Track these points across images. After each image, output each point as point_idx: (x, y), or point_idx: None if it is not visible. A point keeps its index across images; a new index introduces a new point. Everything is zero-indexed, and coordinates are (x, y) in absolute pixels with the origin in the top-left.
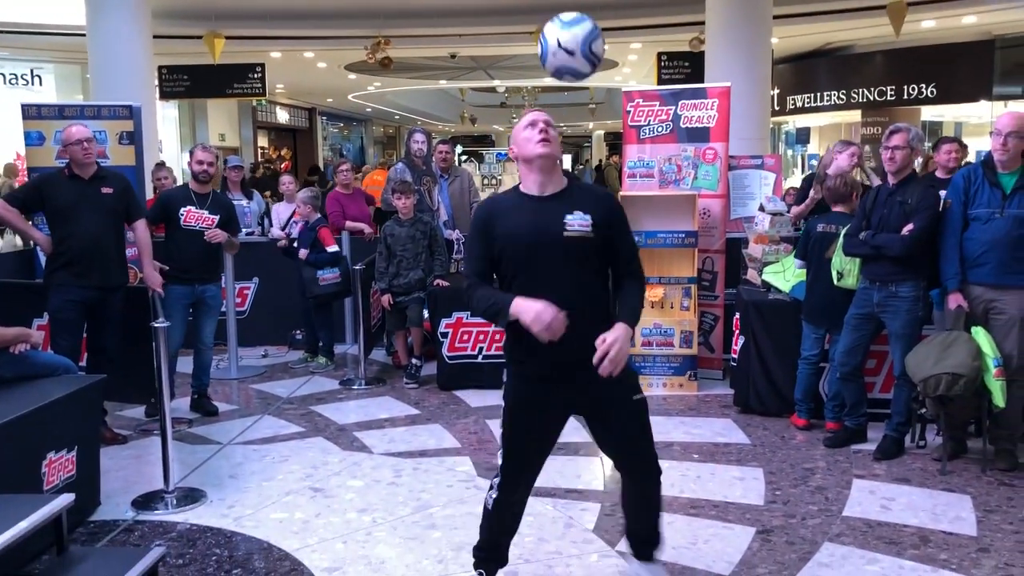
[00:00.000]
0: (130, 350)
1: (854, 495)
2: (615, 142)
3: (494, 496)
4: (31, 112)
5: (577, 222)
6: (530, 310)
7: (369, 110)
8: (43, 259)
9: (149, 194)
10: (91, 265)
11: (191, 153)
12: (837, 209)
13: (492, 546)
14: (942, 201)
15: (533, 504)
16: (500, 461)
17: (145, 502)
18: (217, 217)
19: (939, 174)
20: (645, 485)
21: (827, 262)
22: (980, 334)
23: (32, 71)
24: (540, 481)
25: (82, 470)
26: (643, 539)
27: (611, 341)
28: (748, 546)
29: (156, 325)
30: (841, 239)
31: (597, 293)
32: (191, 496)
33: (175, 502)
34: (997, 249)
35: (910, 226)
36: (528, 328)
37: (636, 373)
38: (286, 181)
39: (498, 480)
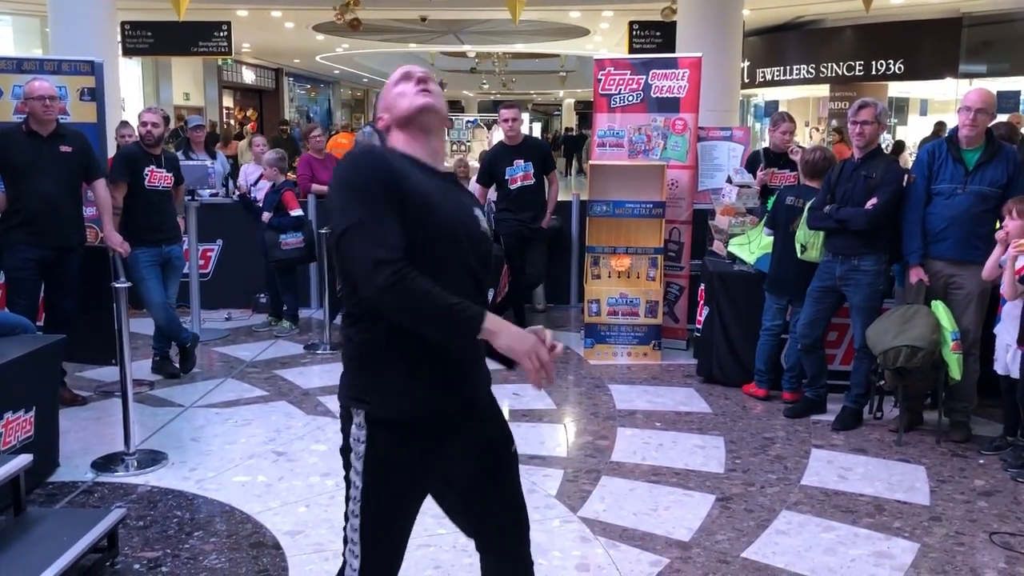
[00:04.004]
0: (91, 311)
1: (812, 464)
2: (585, 111)
3: None
4: None
5: (483, 219)
6: (524, 338)
7: (337, 72)
8: None
9: (111, 152)
10: (48, 225)
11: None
12: (812, 184)
13: None
14: (906, 176)
15: None
16: (357, 561)
17: (105, 464)
18: (172, 176)
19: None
20: (526, 559)
21: (792, 234)
22: (939, 308)
23: None
24: None
25: (40, 431)
26: None
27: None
28: (708, 513)
29: (117, 285)
30: (806, 212)
31: None
32: (152, 458)
33: (136, 464)
34: (958, 225)
35: (873, 200)
36: (507, 355)
37: None
38: (259, 142)
39: None
